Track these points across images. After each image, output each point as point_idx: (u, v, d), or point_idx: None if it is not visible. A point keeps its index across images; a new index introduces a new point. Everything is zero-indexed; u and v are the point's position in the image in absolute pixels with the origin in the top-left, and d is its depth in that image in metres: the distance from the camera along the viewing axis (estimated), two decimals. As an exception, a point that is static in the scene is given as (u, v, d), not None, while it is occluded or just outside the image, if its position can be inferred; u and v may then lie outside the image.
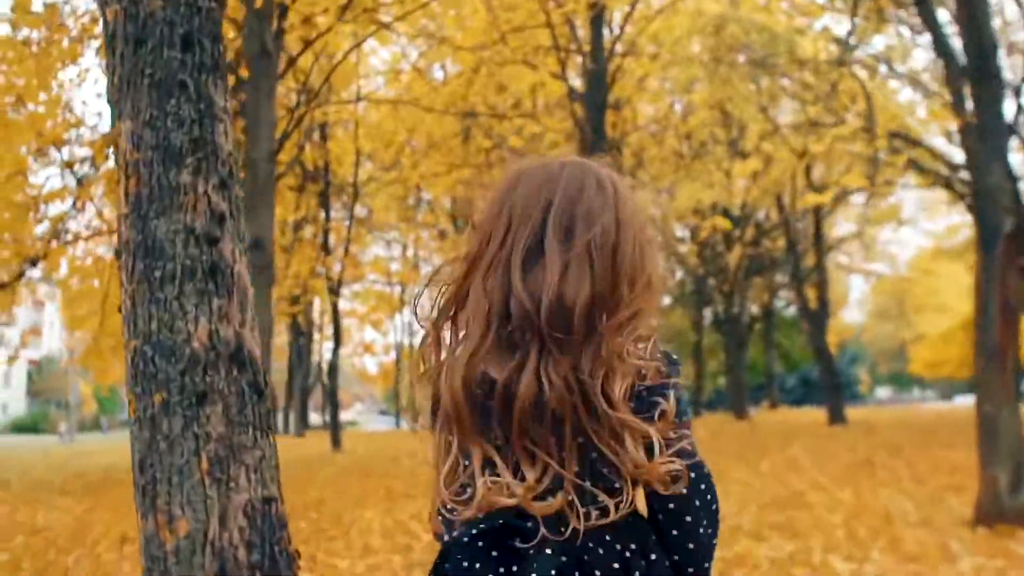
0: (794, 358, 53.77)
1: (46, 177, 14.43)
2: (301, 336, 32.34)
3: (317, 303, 39.99)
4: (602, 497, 1.31)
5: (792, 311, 49.17)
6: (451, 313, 1.38)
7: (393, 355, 46.30)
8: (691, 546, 1.42)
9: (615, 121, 15.20)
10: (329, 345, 41.16)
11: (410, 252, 37.97)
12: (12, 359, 14.20)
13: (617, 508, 1.32)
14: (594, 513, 1.31)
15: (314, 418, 57.25)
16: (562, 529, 1.29)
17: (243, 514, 2.63)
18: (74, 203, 15.79)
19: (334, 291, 21.06)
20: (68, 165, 15.57)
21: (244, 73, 9.35)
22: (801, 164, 22.12)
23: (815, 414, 31.01)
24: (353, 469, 15.29)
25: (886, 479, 10.82)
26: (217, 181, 2.75)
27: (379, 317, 42.42)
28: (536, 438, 1.28)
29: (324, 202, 20.71)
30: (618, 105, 15.97)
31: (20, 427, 75.33)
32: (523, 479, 1.28)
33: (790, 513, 8.43)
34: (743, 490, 10.33)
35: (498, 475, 1.30)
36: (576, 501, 1.29)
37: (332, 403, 21.15)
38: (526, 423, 1.27)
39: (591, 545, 1.31)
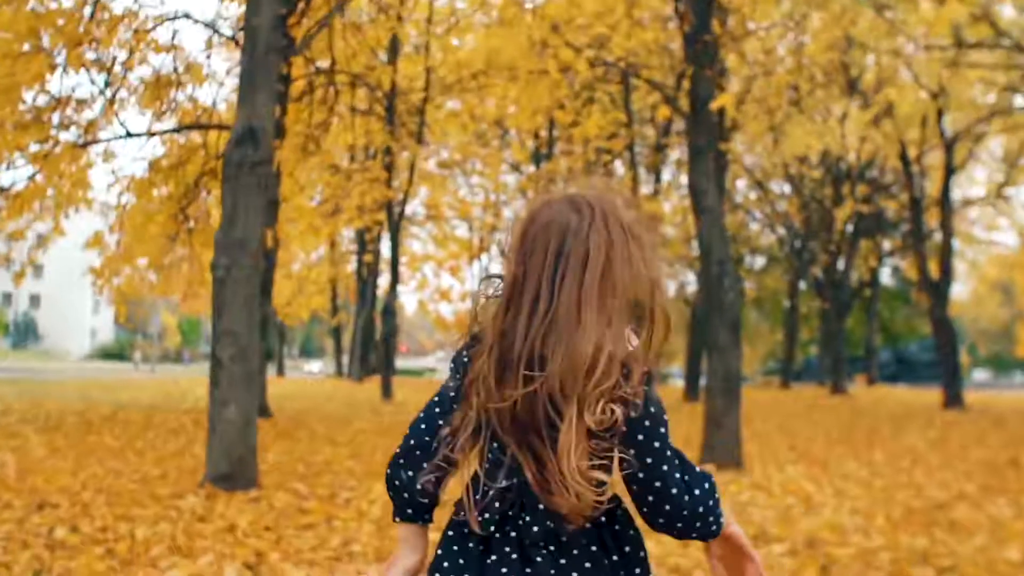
0: (892, 332, 50.27)
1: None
2: (369, 276, 30.64)
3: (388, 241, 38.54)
4: None
5: (893, 281, 45.56)
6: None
7: (469, 303, 44.56)
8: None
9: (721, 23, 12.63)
10: (403, 288, 39.78)
11: (492, 197, 35.98)
12: (19, 275, 12.55)
13: None
14: None
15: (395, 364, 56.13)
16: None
17: None
18: (104, 109, 14.10)
19: (394, 225, 19.06)
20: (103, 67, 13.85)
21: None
22: (933, 107, 19.15)
23: (925, 395, 28.14)
24: (392, 424, 13.40)
25: (1049, 489, 8.36)
26: None
27: (458, 264, 40.67)
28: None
29: (390, 124, 18.63)
30: (724, 18, 13.39)
31: (107, 354, 77.14)
32: None
33: (939, 536, 6.10)
34: (862, 492, 8.00)
35: None
36: None
37: (386, 348, 19.28)
38: None
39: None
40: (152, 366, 56.62)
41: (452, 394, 1.56)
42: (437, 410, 1.58)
